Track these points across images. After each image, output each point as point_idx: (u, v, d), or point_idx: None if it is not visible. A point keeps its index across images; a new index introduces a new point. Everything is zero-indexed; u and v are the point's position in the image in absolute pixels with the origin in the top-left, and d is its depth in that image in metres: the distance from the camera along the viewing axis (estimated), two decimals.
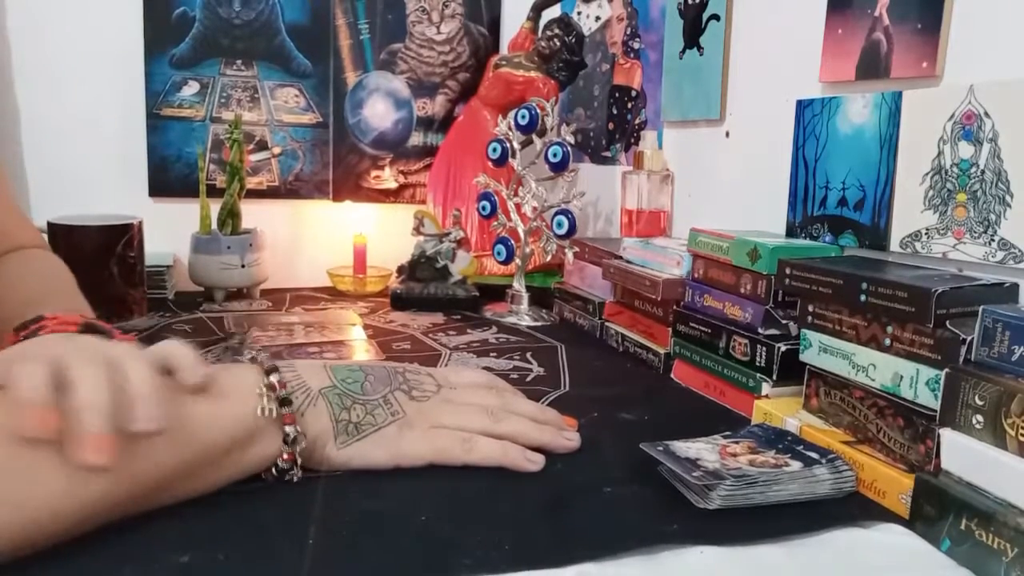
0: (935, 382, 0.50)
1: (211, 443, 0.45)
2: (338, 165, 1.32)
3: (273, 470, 0.49)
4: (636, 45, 1.15)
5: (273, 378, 0.49)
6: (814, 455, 0.54)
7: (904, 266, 0.63)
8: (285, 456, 0.48)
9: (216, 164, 1.26)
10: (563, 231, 0.99)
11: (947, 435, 0.48)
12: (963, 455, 0.47)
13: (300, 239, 1.31)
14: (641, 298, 0.87)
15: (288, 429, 0.48)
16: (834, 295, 0.59)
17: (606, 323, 0.94)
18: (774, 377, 0.66)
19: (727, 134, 0.94)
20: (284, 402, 0.48)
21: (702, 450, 0.54)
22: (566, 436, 0.57)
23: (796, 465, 0.52)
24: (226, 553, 0.42)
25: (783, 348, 0.65)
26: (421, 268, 1.11)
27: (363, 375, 0.54)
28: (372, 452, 0.51)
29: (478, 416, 0.55)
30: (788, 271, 0.64)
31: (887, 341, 0.55)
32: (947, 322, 0.51)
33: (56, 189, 1.20)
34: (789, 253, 0.68)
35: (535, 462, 0.54)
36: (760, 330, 0.68)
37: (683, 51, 1.00)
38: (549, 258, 1.13)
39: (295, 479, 0.49)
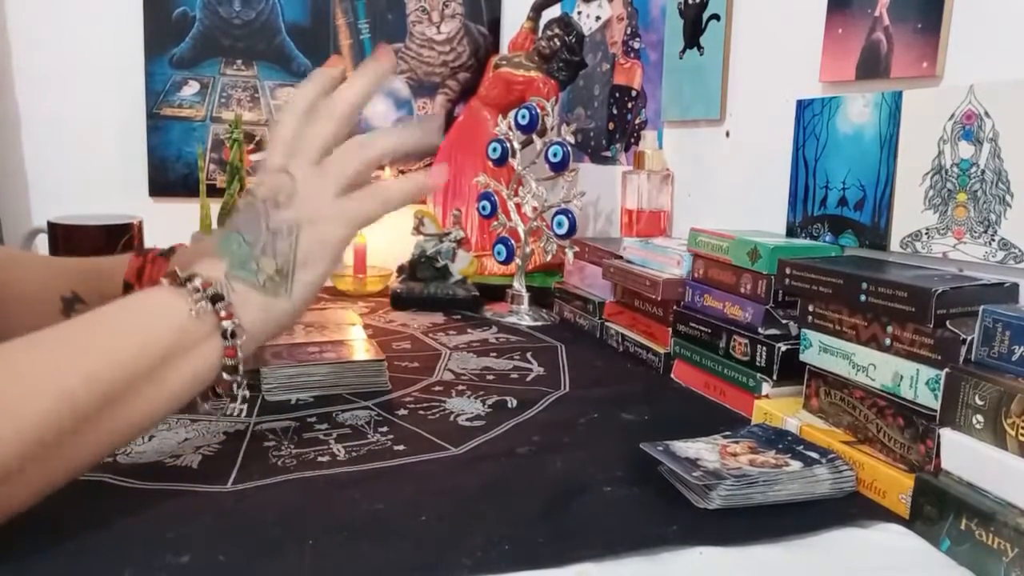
0: (935, 382, 0.50)
1: (147, 352, 0.44)
2: None
3: (224, 375, 0.47)
4: (636, 45, 1.15)
5: (197, 281, 0.46)
6: (814, 455, 0.54)
7: (904, 266, 0.63)
8: (227, 352, 0.46)
9: (216, 164, 1.26)
10: (563, 231, 0.99)
11: (947, 435, 0.48)
12: (963, 455, 0.47)
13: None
14: (641, 298, 0.87)
15: (226, 324, 0.46)
16: (834, 295, 0.59)
17: (606, 323, 0.94)
18: (774, 377, 0.66)
19: (727, 134, 0.94)
20: (215, 299, 0.46)
21: (702, 450, 0.54)
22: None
23: (796, 465, 0.52)
24: (226, 553, 0.42)
25: (783, 348, 0.65)
26: (421, 268, 1.11)
27: (238, 234, 0.49)
28: (311, 274, 0.49)
29: (350, 157, 0.51)
30: (788, 271, 0.64)
31: (887, 341, 0.55)
32: (947, 322, 0.51)
33: (56, 189, 1.20)
34: (789, 253, 0.68)
35: (440, 174, 0.52)
36: (760, 330, 0.68)
37: (683, 51, 1.00)
38: (549, 258, 1.13)
39: (243, 391, 0.48)
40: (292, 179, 0.50)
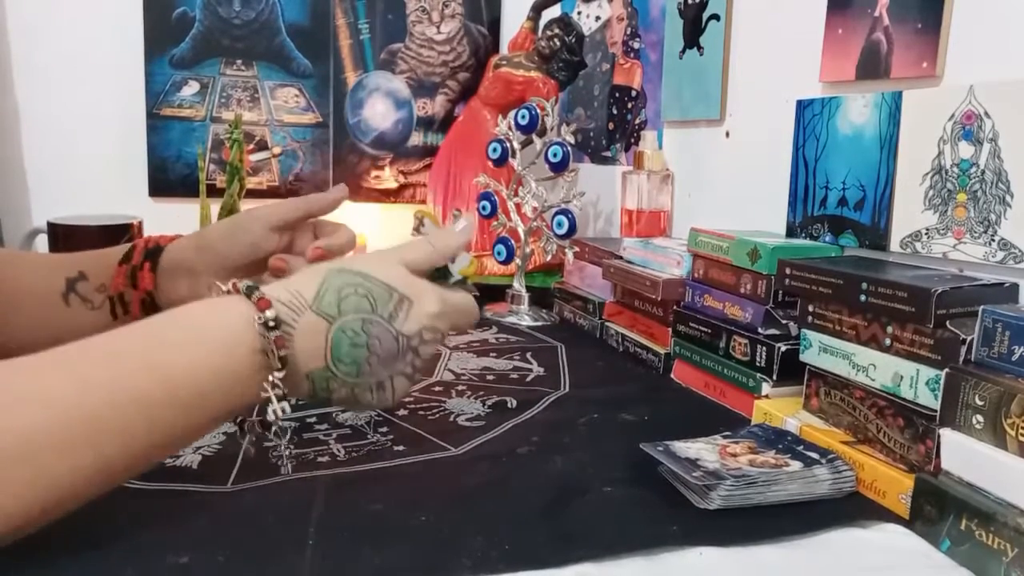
0: (935, 382, 0.50)
1: (208, 418, 0.43)
2: (338, 165, 1.32)
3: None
4: (636, 45, 1.15)
5: (272, 334, 0.43)
6: (814, 455, 0.54)
7: (904, 266, 0.63)
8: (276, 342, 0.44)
9: (216, 164, 1.26)
10: (563, 231, 0.99)
11: (947, 435, 0.48)
12: (963, 455, 0.47)
13: None
14: (641, 298, 0.87)
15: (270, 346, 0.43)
16: (834, 295, 0.59)
17: (606, 323, 0.94)
18: (774, 377, 0.66)
19: (727, 134, 0.94)
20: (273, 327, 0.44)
21: (702, 450, 0.54)
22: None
23: (796, 465, 0.52)
24: (226, 553, 0.42)
25: (783, 348, 0.65)
26: None
27: (366, 350, 0.46)
28: (376, 400, 0.49)
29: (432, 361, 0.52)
30: (788, 271, 0.64)
31: (887, 341, 0.55)
32: (947, 322, 0.51)
33: (56, 189, 1.20)
34: (789, 253, 0.68)
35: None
36: (760, 330, 0.68)
37: (683, 51, 1.00)
38: (549, 258, 1.13)
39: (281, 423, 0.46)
40: (439, 341, 0.51)
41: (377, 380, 0.48)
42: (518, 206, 1.06)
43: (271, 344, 0.43)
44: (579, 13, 1.27)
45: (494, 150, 1.07)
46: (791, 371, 0.65)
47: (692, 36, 0.98)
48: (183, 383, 0.42)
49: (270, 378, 0.44)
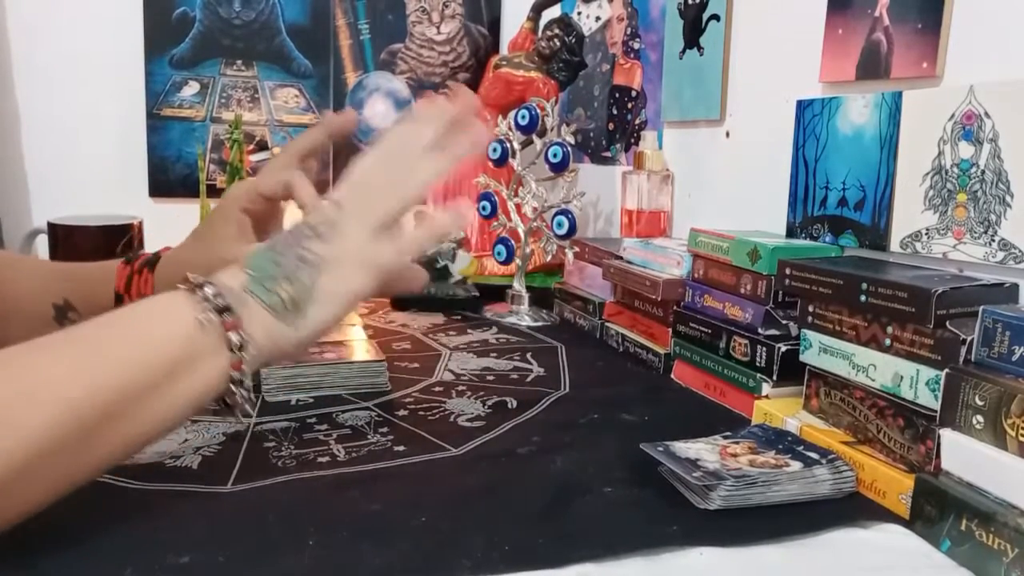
0: (935, 382, 0.50)
1: (152, 362, 0.43)
2: (338, 165, 1.32)
3: (231, 387, 0.46)
4: (636, 45, 1.15)
5: (208, 290, 0.46)
6: (814, 455, 0.54)
7: (904, 266, 0.63)
8: (233, 365, 0.45)
9: (216, 164, 1.26)
10: (563, 231, 0.99)
11: (947, 435, 0.48)
12: (963, 455, 0.47)
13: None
14: (641, 298, 0.87)
15: (231, 336, 0.45)
16: (834, 295, 0.59)
17: (606, 323, 0.94)
18: (774, 377, 0.66)
19: (727, 134, 0.94)
20: (222, 310, 0.45)
21: (702, 450, 0.54)
22: (470, 132, 0.54)
23: (796, 465, 0.52)
24: (226, 553, 0.42)
25: (783, 348, 0.65)
26: None
27: (272, 251, 0.49)
28: (323, 313, 0.48)
29: (387, 196, 0.51)
30: (788, 271, 0.64)
31: (887, 341, 0.55)
32: (947, 322, 0.51)
33: (56, 189, 1.20)
34: (789, 253, 0.68)
35: (463, 215, 0.53)
36: (760, 330, 0.68)
37: (683, 51, 1.00)
38: (549, 258, 1.13)
39: (247, 405, 0.47)
40: (340, 212, 0.50)
41: (298, 257, 0.48)
42: (518, 206, 1.06)
43: (196, 289, 0.46)
44: (579, 13, 1.27)
45: (494, 150, 1.07)
46: (791, 371, 0.65)
47: (692, 36, 0.98)
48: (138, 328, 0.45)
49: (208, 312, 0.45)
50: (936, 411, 0.50)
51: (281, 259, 0.49)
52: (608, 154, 1.23)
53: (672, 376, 0.80)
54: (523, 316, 1.03)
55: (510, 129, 1.05)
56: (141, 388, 0.42)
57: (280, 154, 0.67)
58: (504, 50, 1.34)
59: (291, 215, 0.65)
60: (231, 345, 0.45)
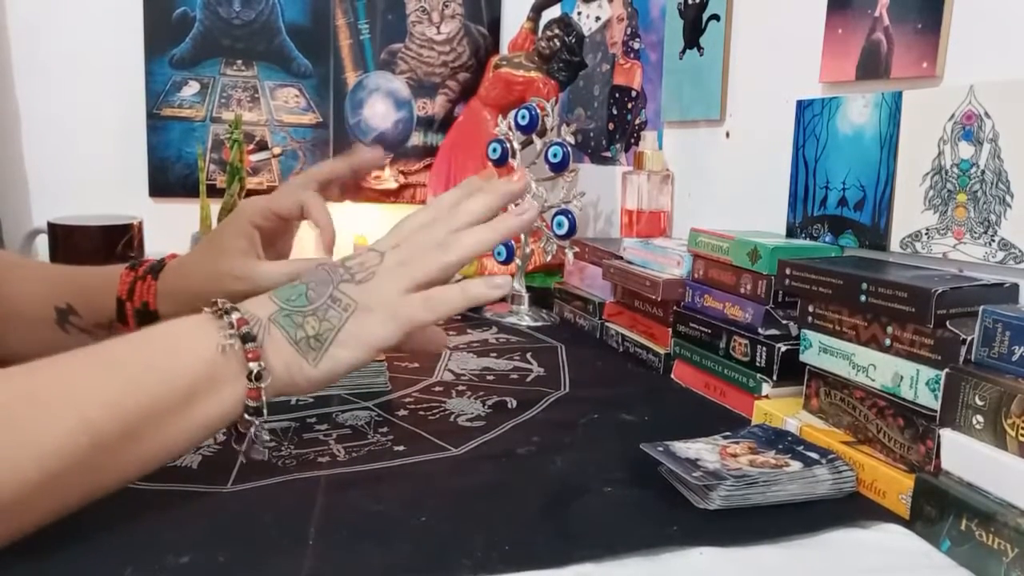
0: (935, 382, 0.50)
1: (172, 384, 0.43)
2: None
3: (245, 416, 0.47)
4: (636, 45, 1.15)
5: (234, 316, 0.47)
6: (814, 455, 0.54)
7: (904, 266, 0.63)
8: (250, 394, 0.46)
9: (216, 164, 1.26)
10: (563, 231, 0.99)
11: (947, 435, 0.48)
12: (963, 455, 0.47)
13: (300, 239, 1.30)
14: (641, 298, 0.87)
15: (252, 365, 0.46)
16: (834, 295, 0.59)
17: (606, 323, 0.94)
18: (774, 377, 0.66)
19: (727, 134, 0.94)
20: (246, 338, 0.46)
21: (702, 450, 0.54)
22: (517, 211, 0.55)
23: (796, 465, 0.52)
24: (226, 553, 0.42)
25: (783, 348, 0.65)
26: None
27: (305, 286, 0.50)
28: (344, 355, 0.49)
29: (429, 258, 0.51)
30: (788, 271, 0.64)
31: (887, 341, 0.55)
32: (947, 322, 0.51)
33: (56, 189, 1.20)
34: (789, 253, 0.68)
35: (500, 286, 0.52)
36: (760, 330, 0.68)
37: (683, 51, 1.00)
38: (549, 258, 1.13)
39: (264, 435, 0.48)
40: (380, 263, 0.51)
41: (330, 297, 0.50)
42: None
43: (226, 317, 0.47)
44: (579, 13, 1.27)
45: (494, 150, 1.07)
46: (791, 371, 0.65)
47: (692, 36, 0.98)
48: (159, 342, 0.46)
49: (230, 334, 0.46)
50: (936, 411, 0.50)
51: (313, 295, 0.50)
52: (608, 154, 1.23)
53: (672, 376, 0.80)
54: (523, 316, 1.03)
55: (510, 129, 1.05)
56: (159, 410, 0.43)
57: (300, 176, 0.69)
58: (504, 50, 1.34)
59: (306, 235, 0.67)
60: (250, 374, 0.46)
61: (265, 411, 0.47)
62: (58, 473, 0.39)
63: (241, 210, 0.67)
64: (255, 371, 0.46)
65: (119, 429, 0.41)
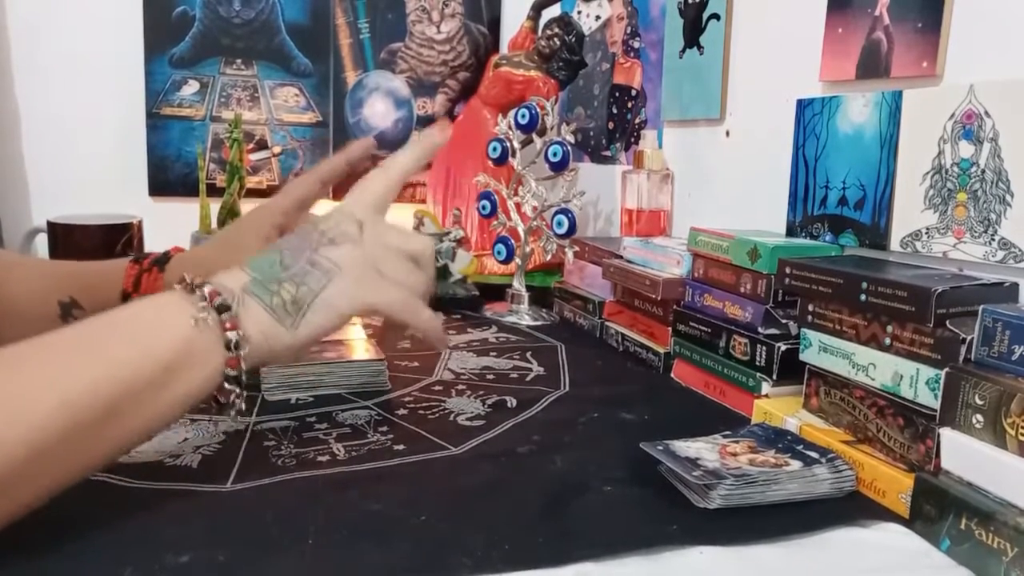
0: (935, 382, 0.50)
1: (150, 360, 0.44)
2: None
3: (225, 385, 0.47)
4: (636, 44, 1.15)
5: (206, 289, 0.47)
6: (814, 455, 0.54)
7: (904, 265, 0.63)
8: (229, 363, 0.46)
9: (216, 163, 1.26)
10: (563, 230, 0.99)
11: (947, 435, 0.48)
12: (963, 455, 0.47)
13: None
14: (641, 298, 0.87)
15: (229, 335, 0.46)
16: (834, 294, 0.59)
17: (606, 323, 0.94)
18: (774, 376, 0.66)
19: (727, 134, 0.94)
20: (220, 309, 0.46)
21: (702, 450, 0.54)
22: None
23: (796, 465, 0.52)
24: (226, 553, 0.42)
25: (783, 348, 0.65)
26: None
27: (279, 252, 0.50)
28: (321, 319, 0.49)
29: (412, 276, 0.55)
30: (788, 270, 0.64)
31: (887, 341, 0.55)
32: (947, 322, 0.51)
33: (56, 189, 1.20)
34: (789, 252, 0.68)
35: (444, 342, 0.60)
36: (760, 329, 0.68)
37: (683, 51, 1.00)
38: (549, 257, 1.13)
39: (241, 403, 0.47)
40: (360, 231, 0.52)
41: (308, 261, 0.50)
42: (518, 205, 1.06)
43: (193, 287, 0.47)
44: (579, 12, 1.27)
45: (494, 149, 1.07)
46: (791, 370, 0.65)
47: (692, 35, 0.98)
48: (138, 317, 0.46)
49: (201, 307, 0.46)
50: (936, 410, 0.50)
51: (288, 261, 0.50)
52: (608, 153, 1.22)
53: (672, 375, 0.80)
54: (523, 315, 1.03)
55: (510, 128, 1.05)
56: (139, 386, 0.43)
57: (304, 175, 0.71)
58: (504, 49, 1.34)
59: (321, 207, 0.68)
60: (228, 343, 0.46)
61: (243, 379, 0.47)
62: (43, 450, 0.39)
63: (261, 209, 0.68)
64: (233, 340, 0.46)
65: (101, 407, 0.41)
